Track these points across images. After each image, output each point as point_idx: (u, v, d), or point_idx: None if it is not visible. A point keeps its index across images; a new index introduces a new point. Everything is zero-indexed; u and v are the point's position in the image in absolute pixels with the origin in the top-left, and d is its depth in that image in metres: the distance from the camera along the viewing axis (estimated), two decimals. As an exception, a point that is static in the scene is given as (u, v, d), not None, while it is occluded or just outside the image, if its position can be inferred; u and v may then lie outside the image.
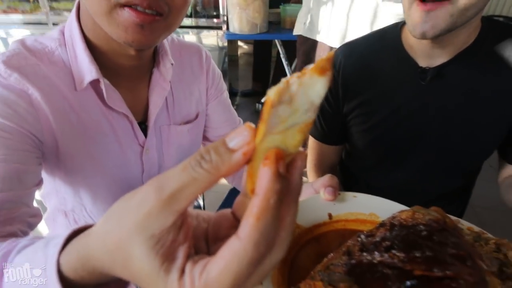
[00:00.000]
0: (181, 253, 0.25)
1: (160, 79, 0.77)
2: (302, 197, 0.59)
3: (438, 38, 0.74)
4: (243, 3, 2.30)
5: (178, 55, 0.83)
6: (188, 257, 0.26)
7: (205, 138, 0.96)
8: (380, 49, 0.91)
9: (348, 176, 1.14)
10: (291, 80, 0.24)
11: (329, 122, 1.02)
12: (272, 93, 0.24)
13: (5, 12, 2.63)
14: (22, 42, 0.66)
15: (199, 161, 0.24)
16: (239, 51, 4.28)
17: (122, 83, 0.72)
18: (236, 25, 2.42)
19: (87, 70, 0.65)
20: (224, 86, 0.95)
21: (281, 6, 2.57)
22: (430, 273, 0.35)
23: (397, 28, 0.90)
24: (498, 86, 0.82)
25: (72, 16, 0.67)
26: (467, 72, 0.82)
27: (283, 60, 2.52)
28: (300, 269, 0.49)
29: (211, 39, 2.70)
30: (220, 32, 2.63)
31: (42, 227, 0.88)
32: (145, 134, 0.77)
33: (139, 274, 0.25)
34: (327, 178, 0.59)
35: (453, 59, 0.82)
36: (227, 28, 2.52)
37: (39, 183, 0.66)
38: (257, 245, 0.23)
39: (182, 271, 0.25)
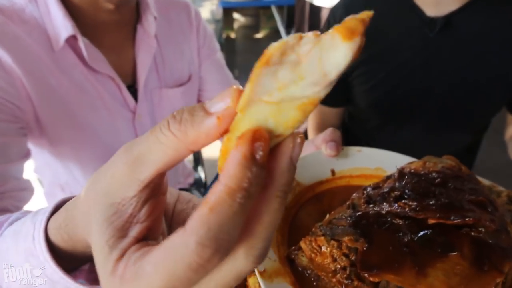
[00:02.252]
0: (133, 231, 0.21)
1: (144, 36, 0.71)
2: (303, 154, 0.56)
3: None
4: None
5: (165, 11, 0.77)
6: (140, 238, 0.22)
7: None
8: None
9: (351, 140, 1.10)
10: (306, 36, 0.17)
11: None
12: (273, 47, 0.17)
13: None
14: None
15: (169, 122, 0.19)
16: (236, 25, 4.16)
17: (104, 43, 0.66)
18: (231, -8, 2.31)
19: (62, 26, 0.60)
20: (217, 46, 0.89)
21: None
22: (446, 221, 0.31)
23: None
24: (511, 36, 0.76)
25: None
26: (479, 21, 0.76)
27: (281, 27, 2.42)
28: (301, 228, 0.45)
29: (205, 12, 2.61)
30: (214, 1, 2.52)
31: (43, 203, 0.86)
32: (136, 99, 0.72)
33: (93, 242, 0.22)
34: (328, 132, 0.55)
35: (464, 7, 0.75)
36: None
37: (26, 155, 0.63)
38: (201, 245, 0.17)
39: (123, 253, 0.21)
